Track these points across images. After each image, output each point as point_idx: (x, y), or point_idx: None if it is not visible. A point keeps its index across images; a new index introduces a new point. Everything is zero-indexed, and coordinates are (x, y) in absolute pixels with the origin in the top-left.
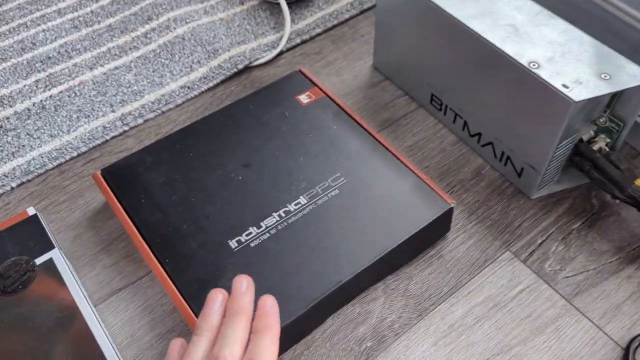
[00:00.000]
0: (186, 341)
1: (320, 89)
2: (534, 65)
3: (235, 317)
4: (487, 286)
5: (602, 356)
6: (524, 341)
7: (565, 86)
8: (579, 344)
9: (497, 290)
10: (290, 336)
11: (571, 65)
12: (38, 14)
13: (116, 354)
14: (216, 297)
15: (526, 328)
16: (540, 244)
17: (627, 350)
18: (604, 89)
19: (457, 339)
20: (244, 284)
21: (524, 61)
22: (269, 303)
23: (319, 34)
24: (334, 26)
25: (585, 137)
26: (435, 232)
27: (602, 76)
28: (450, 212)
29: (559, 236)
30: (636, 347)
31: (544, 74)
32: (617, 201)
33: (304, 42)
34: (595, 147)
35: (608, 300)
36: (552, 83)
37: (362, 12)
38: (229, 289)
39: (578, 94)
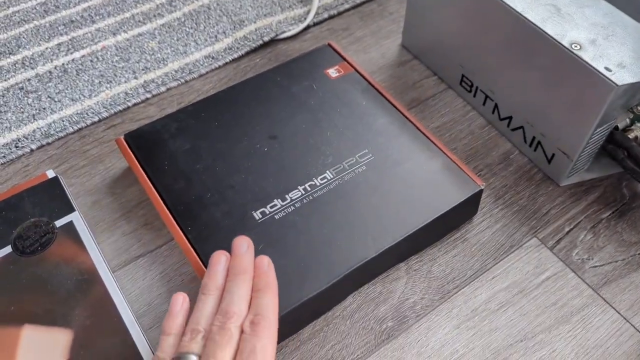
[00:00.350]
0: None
1: (350, 64)
2: (575, 46)
3: (239, 276)
4: (512, 272)
5: (629, 348)
6: (549, 329)
7: (607, 69)
8: (605, 334)
9: (522, 277)
10: (311, 312)
11: (614, 48)
12: None
13: (135, 320)
14: (220, 259)
15: (551, 316)
16: (568, 232)
17: None
18: None
19: (479, 324)
20: (244, 244)
21: (565, 42)
22: (265, 263)
23: (347, 10)
24: (363, 2)
25: (620, 125)
26: (462, 214)
27: None
28: (479, 194)
29: (588, 225)
30: None
31: (586, 56)
32: None
33: (331, 17)
34: (631, 135)
35: (636, 292)
36: (594, 65)
37: None
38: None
39: (621, 77)
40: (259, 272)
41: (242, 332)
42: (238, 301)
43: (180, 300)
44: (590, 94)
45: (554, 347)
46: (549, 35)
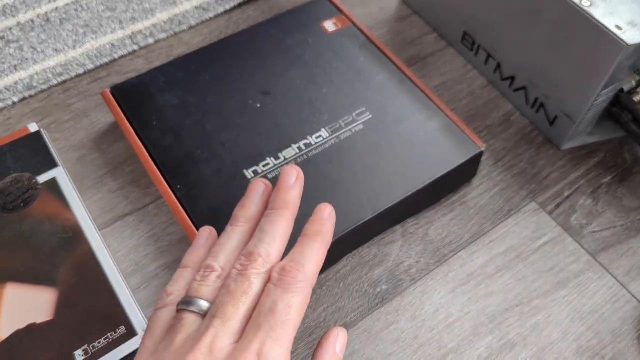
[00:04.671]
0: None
1: (348, 17)
2: (586, 2)
3: (278, 211)
4: (510, 236)
5: (624, 314)
6: (545, 294)
7: (618, 27)
8: (601, 300)
9: (520, 241)
10: None
11: (626, 5)
12: None
13: (121, 279)
14: (258, 187)
15: (548, 281)
16: (568, 196)
17: None
18: None
19: (475, 288)
20: (292, 175)
21: None
22: (328, 211)
23: None
24: None
25: (626, 88)
26: (461, 176)
27: None
28: (479, 156)
29: (588, 190)
30: None
31: (597, 13)
32: None
33: None
34: (637, 98)
35: (634, 257)
36: (604, 23)
37: None
38: None
39: (632, 37)
40: (314, 218)
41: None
42: (269, 241)
43: (207, 233)
44: (599, 53)
45: (549, 312)
46: None
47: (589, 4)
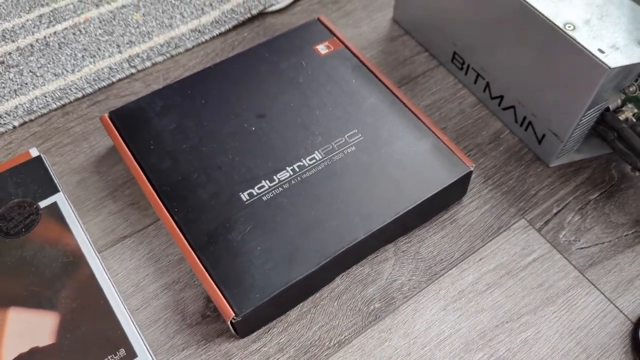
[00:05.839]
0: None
1: (340, 40)
2: (569, 27)
3: None
4: (499, 253)
5: (612, 329)
6: (534, 310)
7: (601, 51)
8: (589, 315)
9: (509, 258)
10: (299, 293)
11: (608, 29)
12: None
13: (121, 302)
14: None
15: (537, 297)
16: (556, 213)
17: (637, 324)
18: None
19: (466, 305)
20: None
21: (559, 22)
22: None
23: None
24: None
25: (612, 106)
26: (451, 195)
27: None
28: (469, 175)
29: (576, 206)
30: None
31: (580, 36)
32: (638, 173)
33: None
34: (622, 116)
35: (621, 273)
36: (587, 47)
37: None
38: (239, 243)
39: (614, 60)
40: None
41: None
42: None
43: None
44: (583, 75)
45: (538, 328)
46: (542, 14)
47: (572, 27)
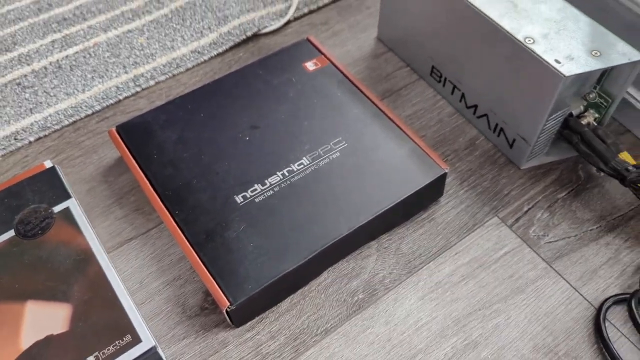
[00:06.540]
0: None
1: (327, 57)
2: (529, 40)
3: None
4: (473, 248)
5: (576, 314)
6: (505, 299)
7: (557, 61)
8: (556, 302)
9: (482, 252)
10: (289, 286)
11: (565, 42)
12: None
13: (128, 296)
14: None
15: (507, 287)
16: (527, 211)
17: (599, 310)
18: (593, 65)
19: (442, 295)
20: None
21: (520, 36)
22: None
23: (326, 5)
24: None
25: (575, 112)
26: (428, 195)
27: (593, 53)
28: (443, 177)
29: (545, 204)
30: (608, 307)
31: (538, 49)
32: (602, 174)
33: (311, 12)
34: (584, 121)
35: (586, 264)
36: (545, 58)
37: None
38: (234, 241)
39: (568, 69)
40: None
41: None
42: None
43: None
44: (543, 84)
45: (509, 314)
46: (505, 30)
47: (532, 41)
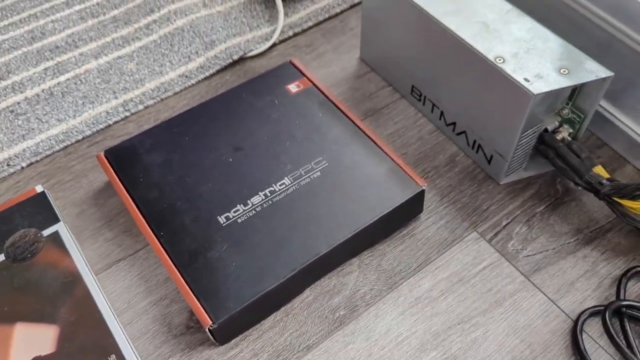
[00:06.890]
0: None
1: (309, 79)
2: (499, 60)
3: None
4: (453, 263)
5: (554, 327)
6: (484, 312)
7: (526, 80)
8: (534, 315)
9: (462, 267)
10: (272, 304)
11: (534, 60)
12: (47, 5)
13: (114, 316)
14: None
15: (486, 301)
16: (505, 225)
17: (576, 322)
18: (561, 83)
19: (422, 310)
20: None
21: (491, 56)
22: None
23: (310, 27)
24: (325, 19)
25: (550, 127)
26: (408, 212)
27: (562, 71)
28: (421, 194)
29: (523, 218)
30: (585, 319)
31: (508, 68)
32: (579, 187)
33: (296, 34)
34: (559, 136)
35: (563, 277)
36: (514, 77)
37: (353, 6)
38: (217, 261)
39: (537, 87)
40: None
41: None
42: None
43: None
44: (514, 101)
45: (487, 328)
46: (477, 50)
47: (502, 60)
